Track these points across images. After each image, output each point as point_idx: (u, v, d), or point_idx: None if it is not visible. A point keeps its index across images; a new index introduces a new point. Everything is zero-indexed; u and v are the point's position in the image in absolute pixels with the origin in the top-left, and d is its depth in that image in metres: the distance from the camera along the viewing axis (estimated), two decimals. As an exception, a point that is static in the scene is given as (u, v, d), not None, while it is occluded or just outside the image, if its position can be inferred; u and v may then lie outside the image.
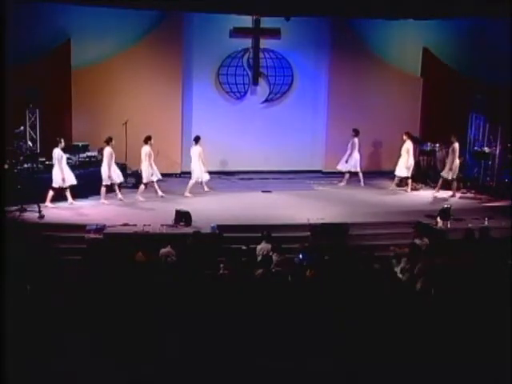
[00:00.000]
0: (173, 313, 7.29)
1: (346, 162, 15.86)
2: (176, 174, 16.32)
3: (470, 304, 7.74)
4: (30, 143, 13.88)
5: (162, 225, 11.86)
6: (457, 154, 14.63)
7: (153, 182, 14.11)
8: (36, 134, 14.00)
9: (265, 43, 16.66)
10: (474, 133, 15.83)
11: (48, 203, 12.92)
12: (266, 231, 10.85)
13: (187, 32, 16.21)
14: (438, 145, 16.01)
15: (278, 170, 16.99)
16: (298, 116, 17.19)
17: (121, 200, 13.73)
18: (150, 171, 13.94)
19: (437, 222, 12.29)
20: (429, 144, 16.21)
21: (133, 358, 6.53)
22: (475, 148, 15.71)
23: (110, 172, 13.56)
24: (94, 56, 15.36)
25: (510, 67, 13.96)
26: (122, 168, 14.78)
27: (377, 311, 7.42)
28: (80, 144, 14.46)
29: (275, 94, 17.08)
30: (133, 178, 14.97)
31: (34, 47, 14.23)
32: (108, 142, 13.58)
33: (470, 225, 12.12)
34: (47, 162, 13.45)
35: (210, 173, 15.05)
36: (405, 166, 15.24)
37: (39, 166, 13.51)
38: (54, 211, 12.74)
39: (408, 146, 15.24)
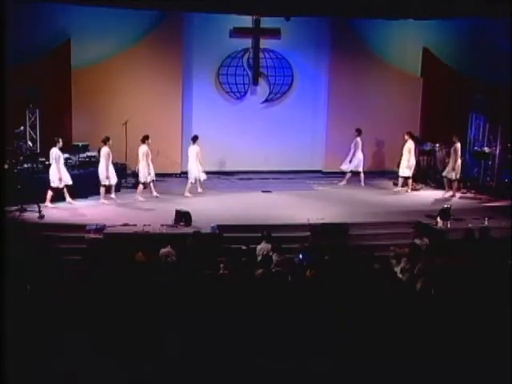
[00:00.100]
0: (173, 313, 7.28)
1: (350, 161, 15.88)
2: (176, 174, 16.31)
3: (470, 304, 7.73)
4: (29, 143, 13.89)
5: (162, 225, 11.85)
6: (459, 153, 14.64)
7: (150, 181, 14.10)
8: (36, 134, 14.01)
9: (265, 43, 16.67)
10: (474, 133, 15.83)
11: (48, 203, 12.91)
12: (266, 231, 10.84)
13: (187, 32, 16.21)
14: (437, 145, 16.03)
15: (278, 170, 17.00)
16: (298, 116, 17.19)
17: (113, 199, 13.70)
18: (147, 171, 13.93)
19: (437, 222, 12.29)
20: (429, 144, 16.23)
21: (133, 358, 6.52)
22: (475, 148, 15.70)
23: (108, 173, 13.54)
24: (94, 56, 15.37)
25: (510, 67, 13.95)
26: (122, 168, 14.80)
27: (377, 311, 7.41)
28: (80, 144, 14.44)
29: (275, 94, 17.09)
30: (133, 178, 14.95)
31: (33, 47, 14.24)
32: (105, 141, 13.52)
33: (469, 225, 12.12)
34: (47, 162, 13.42)
35: (211, 173, 15.06)
36: (406, 165, 15.25)
37: (39, 166, 13.50)
38: (54, 211, 12.73)
39: (410, 145, 15.27)
